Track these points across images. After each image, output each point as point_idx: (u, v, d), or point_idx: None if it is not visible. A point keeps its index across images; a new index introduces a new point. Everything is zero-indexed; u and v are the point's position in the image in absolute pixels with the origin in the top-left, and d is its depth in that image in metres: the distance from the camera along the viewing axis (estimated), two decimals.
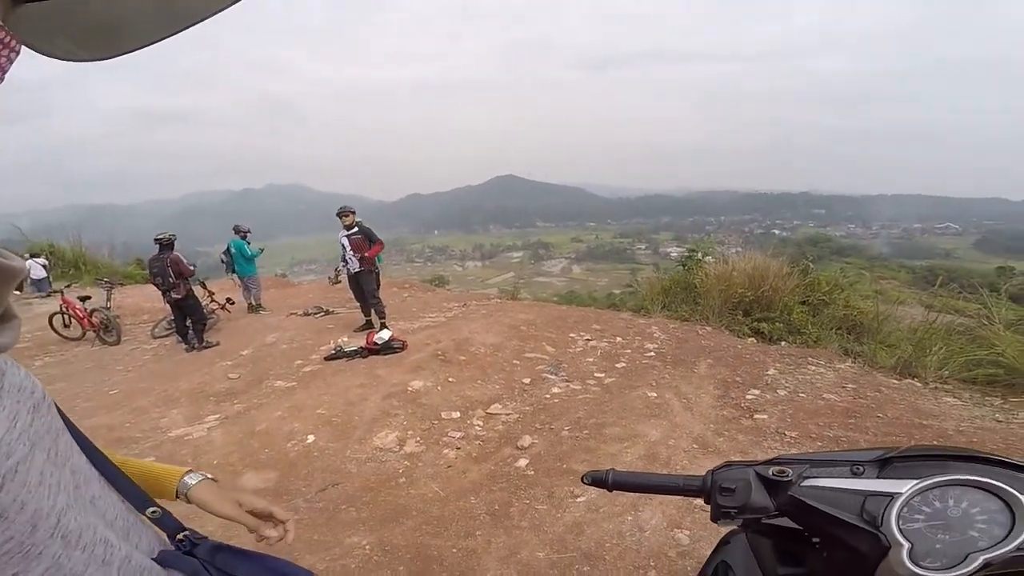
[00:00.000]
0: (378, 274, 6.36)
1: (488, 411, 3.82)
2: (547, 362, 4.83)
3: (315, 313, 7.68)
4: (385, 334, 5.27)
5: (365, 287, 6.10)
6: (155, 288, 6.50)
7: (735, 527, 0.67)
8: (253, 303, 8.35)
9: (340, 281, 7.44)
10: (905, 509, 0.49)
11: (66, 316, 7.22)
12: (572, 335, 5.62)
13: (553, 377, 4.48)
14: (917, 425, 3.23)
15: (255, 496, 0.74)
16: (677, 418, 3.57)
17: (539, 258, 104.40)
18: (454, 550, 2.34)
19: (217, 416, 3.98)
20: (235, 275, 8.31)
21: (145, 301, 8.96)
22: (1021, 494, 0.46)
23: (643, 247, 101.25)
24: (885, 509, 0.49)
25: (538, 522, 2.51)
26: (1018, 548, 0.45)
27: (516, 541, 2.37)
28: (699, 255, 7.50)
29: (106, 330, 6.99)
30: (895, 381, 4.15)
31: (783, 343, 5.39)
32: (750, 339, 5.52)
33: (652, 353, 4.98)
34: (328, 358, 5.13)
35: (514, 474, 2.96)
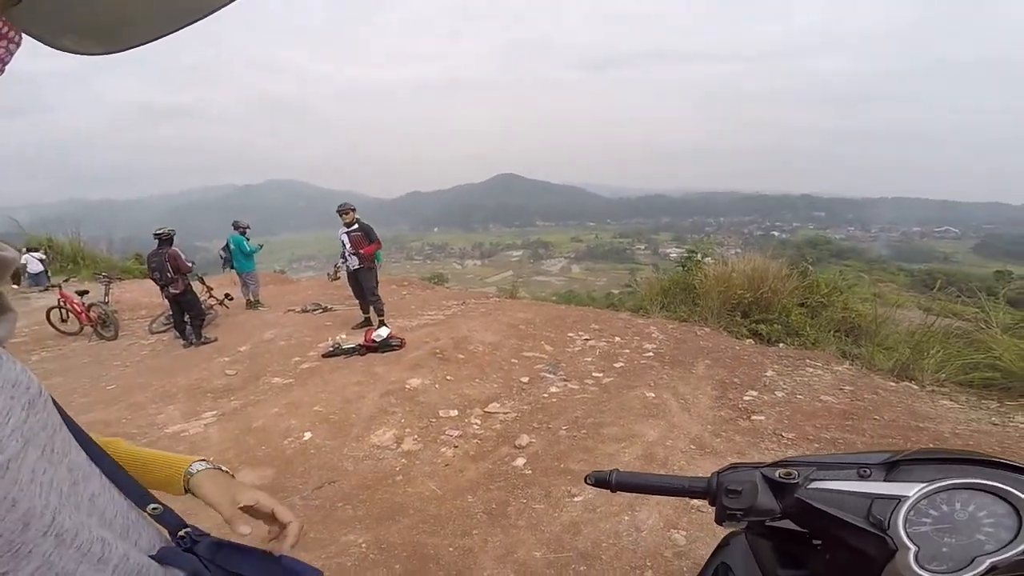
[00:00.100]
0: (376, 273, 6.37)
1: (486, 410, 3.82)
2: (545, 361, 4.83)
3: (313, 310, 7.67)
4: (383, 331, 5.27)
5: (364, 284, 6.10)
6: (153, 283, 6.49)
7: (736, 528, 0.67)
8: (251, 299, 8.33)
9: (339, 278, 7.43)
10: (912, 512, 0.49)
11: (64, 311, 7.19)
12: (571, 334, 5.62)
13: (551, 376, 4.48)
14: (914, 428, 3.24)
15: (260, 492, 0.68)
16: (675, 418, 3.57)
17: (538, 257, 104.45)
18: (451, 549, 2.33)
19: (214, 412, 3.97)
20: (234, 271, 8.30)
21: (143, 296, 8.93)
22: None
23: (642, 247, 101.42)
24: (892, 512, 0.49)
25: (535, 521, 2.51)
26: None
27: (513, 540, 2.37)
28: (698, 256, 7.51)
29: (104, 325, 6.97)
30: (892, 384, 4.16)
31: (781, 345, 5.39)
32: (748, 340, 5.52)
33: (650, 353, 4.99)
34: (326, 355, 5.12)
35: (511, 473, 2.96)
